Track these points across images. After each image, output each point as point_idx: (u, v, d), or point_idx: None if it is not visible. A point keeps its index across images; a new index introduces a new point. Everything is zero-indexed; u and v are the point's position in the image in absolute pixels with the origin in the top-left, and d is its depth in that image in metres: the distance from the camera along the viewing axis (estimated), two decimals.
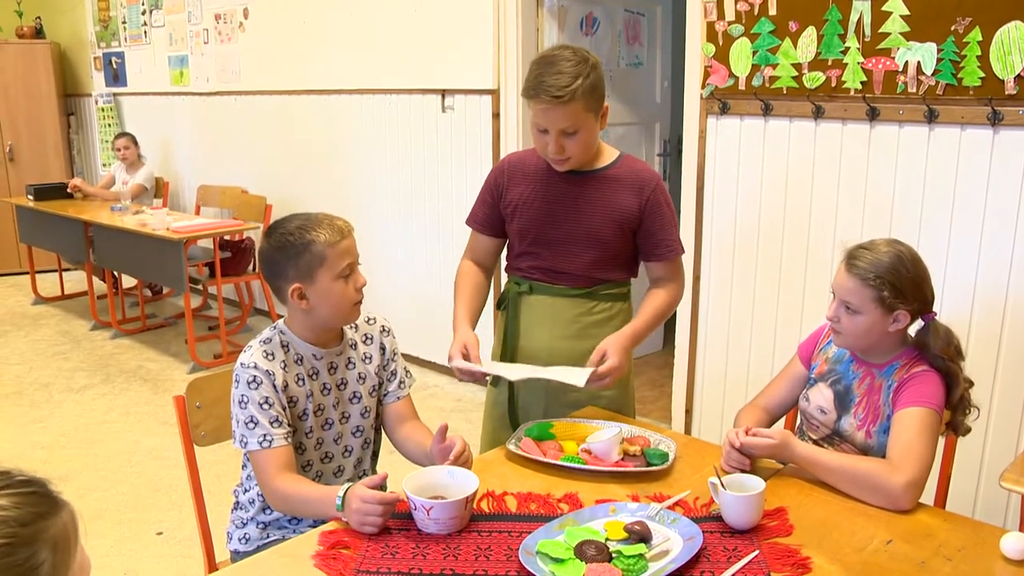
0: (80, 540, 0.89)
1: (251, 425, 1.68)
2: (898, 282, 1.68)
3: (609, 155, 2.04)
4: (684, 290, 2.13)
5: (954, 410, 1.72)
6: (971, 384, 1.75)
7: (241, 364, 1.71)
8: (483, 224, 2.15)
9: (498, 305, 2.18)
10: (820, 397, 1.85)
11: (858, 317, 1.72)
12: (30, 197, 5.87)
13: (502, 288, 2.19)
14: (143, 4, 6.38)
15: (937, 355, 1.70)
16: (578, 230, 2.00)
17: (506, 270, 2.17)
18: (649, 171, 2.04)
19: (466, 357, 1.94)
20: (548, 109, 1.85)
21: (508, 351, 2.11)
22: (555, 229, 2.02)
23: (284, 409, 1.72)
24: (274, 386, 1.70)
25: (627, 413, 2.13)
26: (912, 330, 1.77)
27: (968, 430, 1.78)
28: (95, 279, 5.68)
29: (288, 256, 1.71)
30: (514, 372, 1.96)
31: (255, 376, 1.69)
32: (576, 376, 1.88)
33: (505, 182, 2.09)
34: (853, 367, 1.82)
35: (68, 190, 5.89)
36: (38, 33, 7.32)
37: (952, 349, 1.71)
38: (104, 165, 6.98)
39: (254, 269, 5.25)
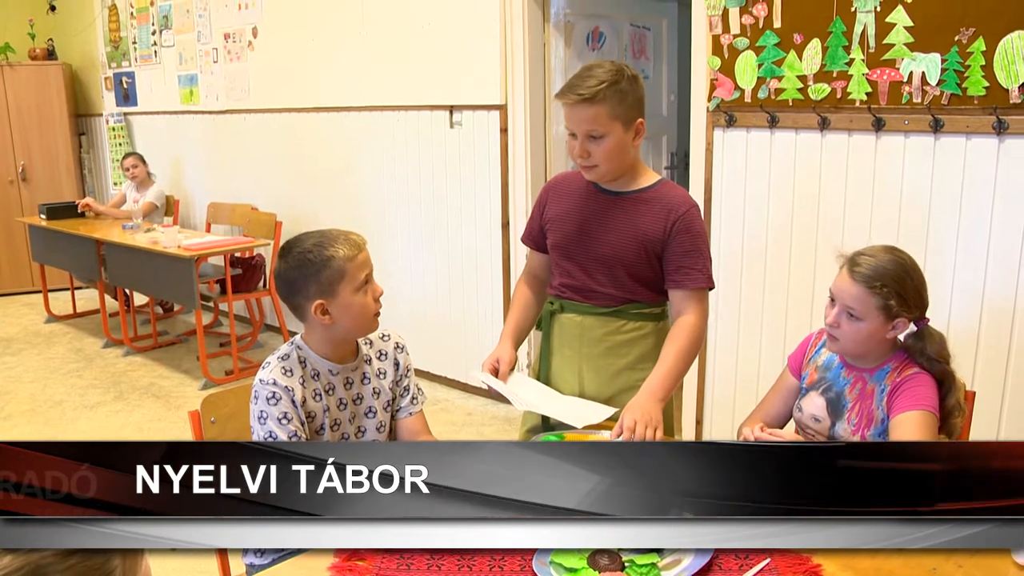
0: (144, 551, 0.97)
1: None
2: (903, 291, 1.70)
3: (648, 179, 2.02)
4: (705, 327, 2.01)
5: (949, 412, 1.74)
6: (963, 385, 1.77)
7: (260, 380, 1.74)
8: (532, 240, 2.17)
9: (537, 325, 2.18)
10: (813, 406, 1.86)
11: (860, 324, 1.73)
12: (42, 216, 5.92)
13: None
14: (153, 24, 6.46)
15: (933, 358, 1.72)
16: (604, 249, 2.00)
17: (548, 291, 2.18)
18: (683, 196, 2.01)
19: (496, 372, 1.96)
20: (572, 107, 1.88)
21: (543, 370, 2.12)
22: (583, 247, 2.02)
23: (303, 425, 1.74)
24: (293, 402, 1.72)
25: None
26: (902, 334, 1.78)
27: (959, 432, 1.80)
28: (107, 297, 5.73)
29: (308, 274, 1.73)
30: (524, 403, 1.94)
31: (274, 392, 1.72)
32: (587, 416, 1.87)
33: (548, 199, 2.11)
34: (843, 373, 1.83)
35: (79, 210, 5.95)
36: (50, 55, 7.41)
37: (946, 352, 1.74)
38: (115, 184, 7.04)
39: (265, 285, 5.28)
